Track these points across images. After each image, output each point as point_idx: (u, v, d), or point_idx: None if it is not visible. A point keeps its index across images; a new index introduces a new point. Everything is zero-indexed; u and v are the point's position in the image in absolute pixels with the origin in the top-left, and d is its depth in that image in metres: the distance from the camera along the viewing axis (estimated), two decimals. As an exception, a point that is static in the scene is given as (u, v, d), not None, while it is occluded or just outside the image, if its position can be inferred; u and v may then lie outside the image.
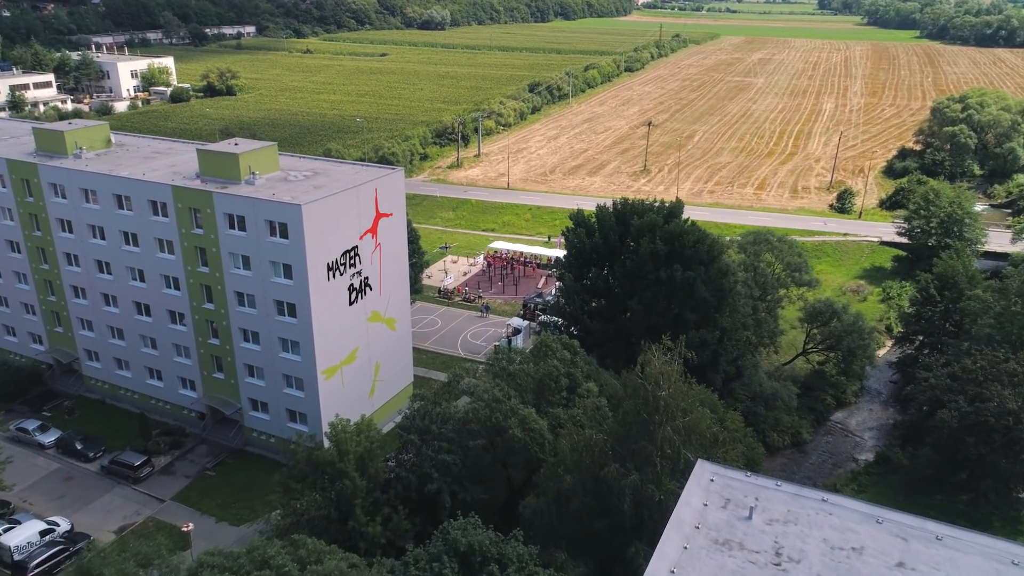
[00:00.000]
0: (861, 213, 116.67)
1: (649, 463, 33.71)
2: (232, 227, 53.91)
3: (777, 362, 71.81)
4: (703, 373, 56.33)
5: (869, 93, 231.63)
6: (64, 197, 60.86)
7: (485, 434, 46.90)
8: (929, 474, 56.86)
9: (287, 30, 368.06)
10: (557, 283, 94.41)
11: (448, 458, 45.45)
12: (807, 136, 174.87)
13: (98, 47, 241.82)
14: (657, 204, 59.07)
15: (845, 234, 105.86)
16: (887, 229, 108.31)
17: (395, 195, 60.40)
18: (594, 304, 57.29)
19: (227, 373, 59.14)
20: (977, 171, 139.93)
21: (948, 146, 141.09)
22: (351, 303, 57.16)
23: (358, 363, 58.73)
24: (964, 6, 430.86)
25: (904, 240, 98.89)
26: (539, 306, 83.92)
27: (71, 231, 61.82)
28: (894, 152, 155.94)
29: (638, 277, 55.86)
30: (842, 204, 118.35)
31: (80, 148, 63.63)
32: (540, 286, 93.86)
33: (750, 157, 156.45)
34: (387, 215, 59.65)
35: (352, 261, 56.50)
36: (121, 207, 58.45)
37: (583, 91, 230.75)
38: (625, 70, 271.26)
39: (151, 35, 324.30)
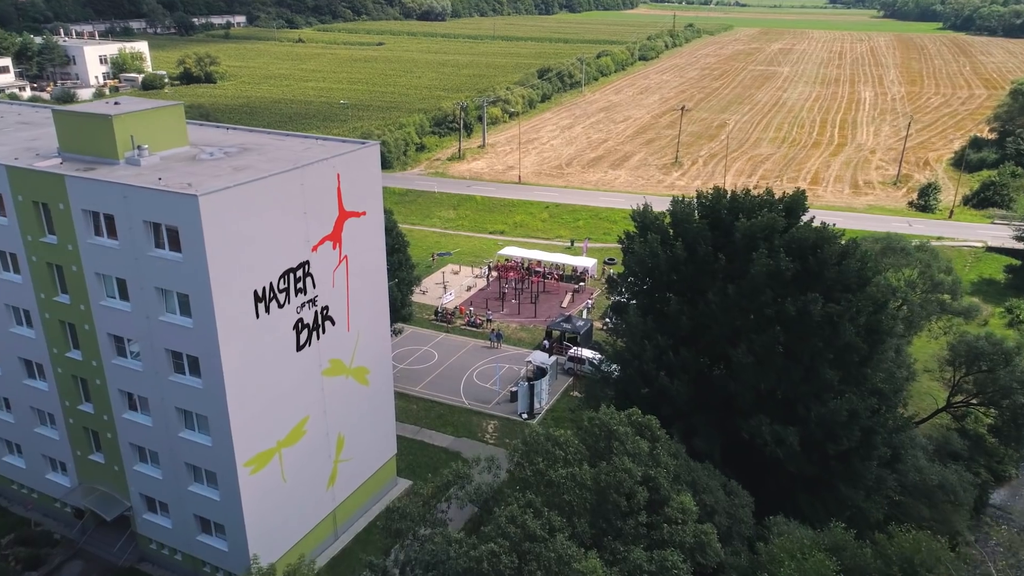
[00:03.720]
0: (952, 212, 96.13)
1: None
2: (98, 232, 33.61)
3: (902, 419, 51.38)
4: (848, 463, 35.98)
5: (908, 82, 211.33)
6: None
7: (511, 601, 26.61)
8: None
9: (279, 20, 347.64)
10: (588, 301, 74.21)
11: (445, 656, 25.17)
12: (852, 125, 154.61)
13: (78, 35, 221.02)
14: (764, 196, 38.69)
15: (939, 238, 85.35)
16: (988, 232, 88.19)
17: (368, 184, 40.06)
18: (672, 352, 36.78)
19: (108, 455, 38.79)
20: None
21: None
22: (299, 348, 36.89)
23: (308, 440, 38.38)
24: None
25: (1020, 246, 78.66)
26: (567, 334, 63.57)
27: None
28: (957, 142, 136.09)
29: (746, 311, 35.54)
30: (925, 201, 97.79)
31: (-94, 116, 43.42)
32: (564, 305, 73.39)
33: (794, 148, 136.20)
34: (357, 214, 39.34)
35: (300, 284, 36.25)
36: (-56, 201, 38.16)
37: (596, 79, 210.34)
38: (639, 59, 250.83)
39: (134, 24, 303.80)
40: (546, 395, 55.80)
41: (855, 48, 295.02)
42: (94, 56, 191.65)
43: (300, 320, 36.57)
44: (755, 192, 38.64)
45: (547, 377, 55.85)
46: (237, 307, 32.67)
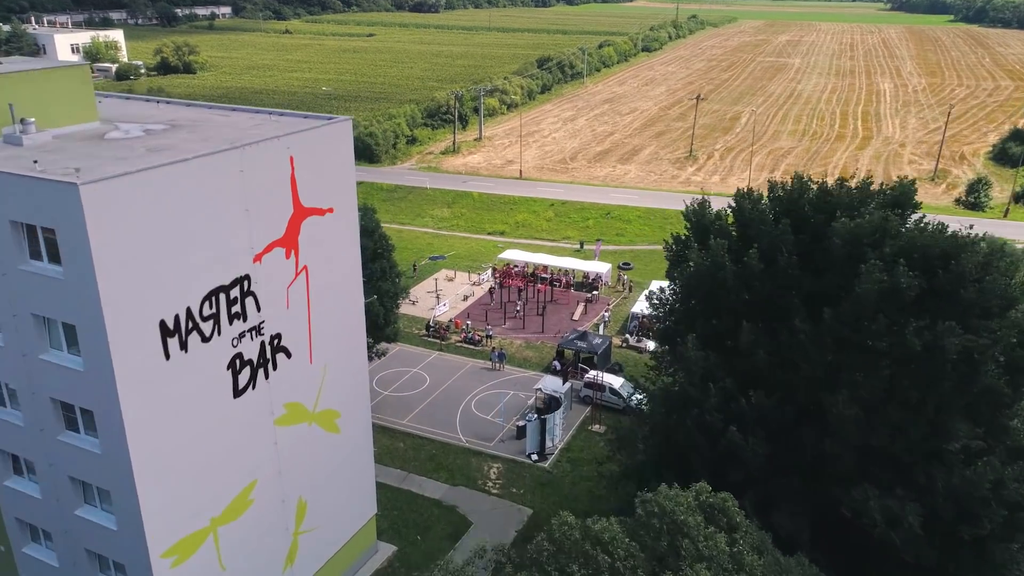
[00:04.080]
0: (1008, 210, 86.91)
1: None
2: (-49, 238, 24.09)
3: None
4: (983, 548, 26.56)
5: (927, 74, 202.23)
6: None
7: None
8: None
9: (266, 11, 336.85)
10: (604, 313, 64.63)
11: None
12: (876, 118, 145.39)
13: (50, 24, 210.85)
14: (863, 186, 29.30)
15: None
16: (1048, 231, 78.98)
17: (337, 171, 30.52)
18: (744, 398, 27.33)
19: (-12, 533, 29.33)
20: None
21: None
22: (238, 393, 27.35)
23: (256, 512, 28.86)
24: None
25: (1090, 248, 69.43)
26: (582, 354, 54.15)
27: None
28: (992, 135, 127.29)
29: (848, 344, 26.09)
30: (975, 198, 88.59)
31: None
32: (576, 317, 63.85)
33: (816, 141, 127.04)
34: (319, 211, 29.76)
35: (238, 308, 26.69)
36: None
37: (598, 70, 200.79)
38: (643, 50, 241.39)
39: (114, 15, 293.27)
40: (560, 430, 46.37)
41: (866, 39, 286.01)
42: (65, 45, 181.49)
43: (239, 355, 26.99)
44: (850, 183, 29.31)
45: (561, 409, 46.36)
46: (143, 341, 23.19)
